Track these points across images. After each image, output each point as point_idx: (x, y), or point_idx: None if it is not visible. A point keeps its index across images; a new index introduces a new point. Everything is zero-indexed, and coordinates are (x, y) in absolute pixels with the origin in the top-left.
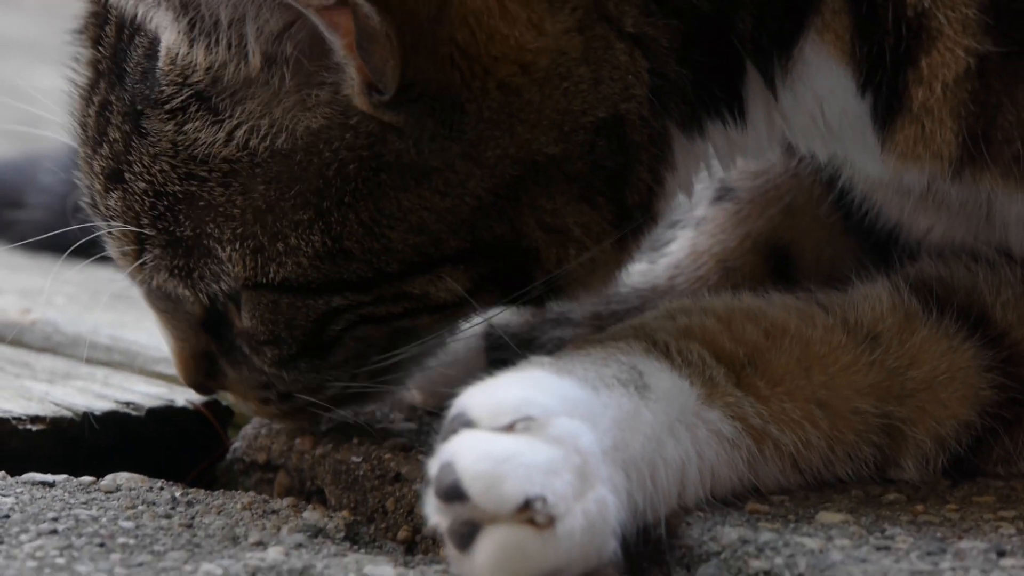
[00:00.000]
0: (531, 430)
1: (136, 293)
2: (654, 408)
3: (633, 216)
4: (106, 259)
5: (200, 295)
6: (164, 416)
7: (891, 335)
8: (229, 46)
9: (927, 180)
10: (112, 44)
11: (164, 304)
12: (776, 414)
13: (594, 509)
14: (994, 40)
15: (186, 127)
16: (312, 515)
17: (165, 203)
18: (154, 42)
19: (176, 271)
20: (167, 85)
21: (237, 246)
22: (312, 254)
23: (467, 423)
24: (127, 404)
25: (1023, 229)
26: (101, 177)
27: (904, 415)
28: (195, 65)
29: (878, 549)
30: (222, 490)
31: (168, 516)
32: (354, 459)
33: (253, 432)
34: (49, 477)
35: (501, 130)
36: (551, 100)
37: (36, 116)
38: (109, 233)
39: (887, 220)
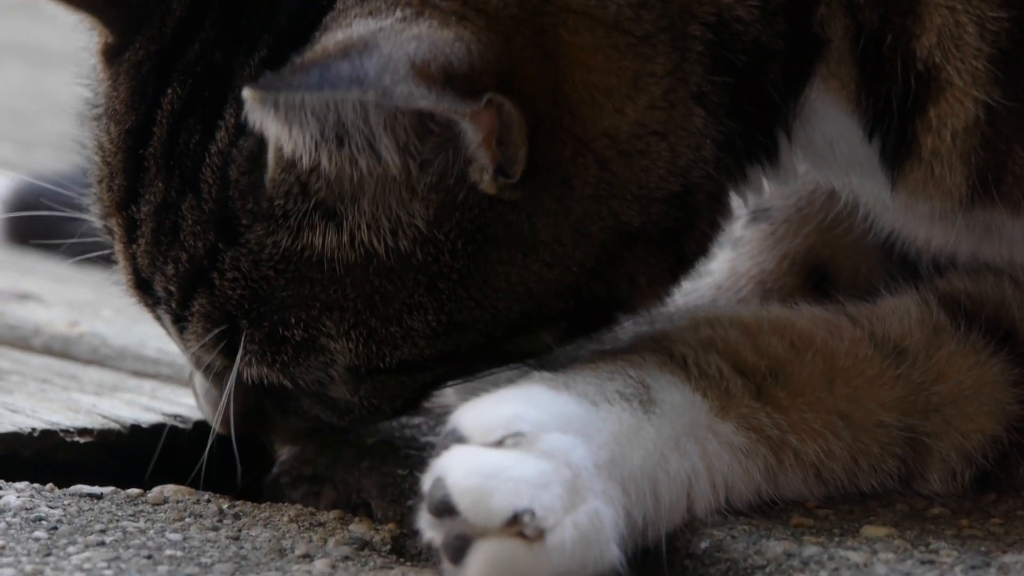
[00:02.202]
0: (520, 445)
1: None
2: (658, 422)
3: (690, 261)
4: None
5: (298, 382)
6: (211, 429)
7: (918, 349)
8: (357, 149)
9: (937, 213)
10: (165, 143)
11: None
12: (796, 424)
13: (585, 521)
14: (1003, 90)
15: (303, 238)
16: (358, 528)
17: (269, 306)
18: (255, 156)
19: (276, 363)
20: (281, 198)
21: (351, 336)
22: (429, 333)
23: (459, 439)
24: (174, 417)
25: None
26: (175, 281)
27: (929, 429)
28: (318, 174)
29: (922, 563)
30: (269, 503)
31: (215, 528)
32: (400, 471)
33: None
34: (97, 489)
35: (600, 203)
36: (634, 176)
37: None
38: (185, 327)
39: (889, 230)
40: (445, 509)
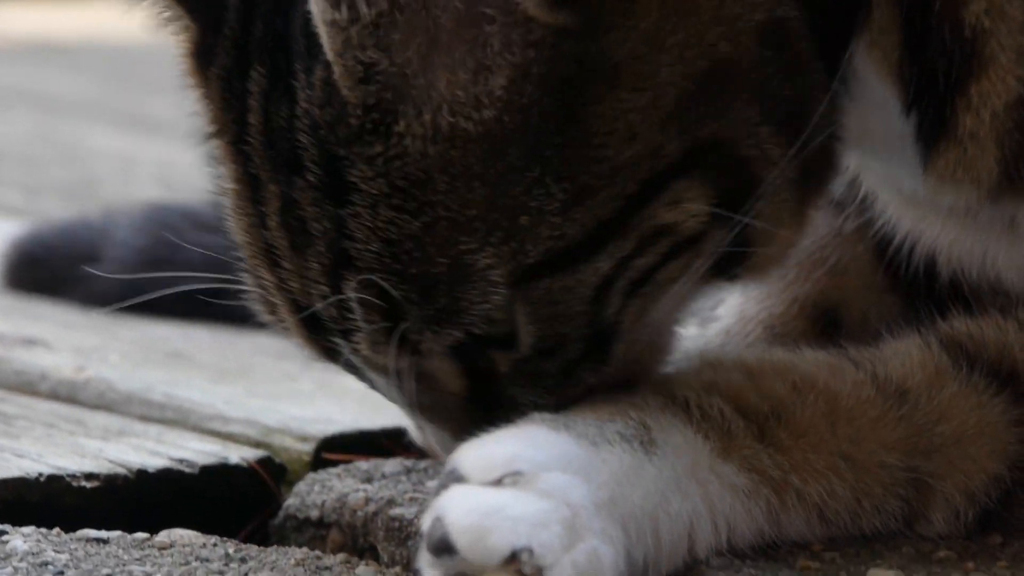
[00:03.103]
0: (519, 484)
1: (189, 349)
2: (659, 463)
3: (812, 140)
4: (164, 315)
5: (471, 330)
6: (218, 473)
7: (920, 390)
8: None
9: (961, 205)
10: (262, 142)
11: (427, 397)
12: (799, 465)
13: (584, 560)
14: None
15: (393, 140)
16: (365, 572)
17: (407, 248)
18: (327, 80)
19: (441, 317)
20: (354, 90)
21: (490, 243)
22: (558, 209)
23: (458, 478)
24: (181, 461)
25: None
26: (324, 278)
27: (932, 469)
28: (375, 38)
29: None
30: (275, 546)
31: (221, 572)
32: (407, 515)
33: (306, 489)
34: (103, 533)
35: (674, 17)
36: None
37: (94, 176)
38: (353, 333)
39: (899, 231)
40: (444, 548)
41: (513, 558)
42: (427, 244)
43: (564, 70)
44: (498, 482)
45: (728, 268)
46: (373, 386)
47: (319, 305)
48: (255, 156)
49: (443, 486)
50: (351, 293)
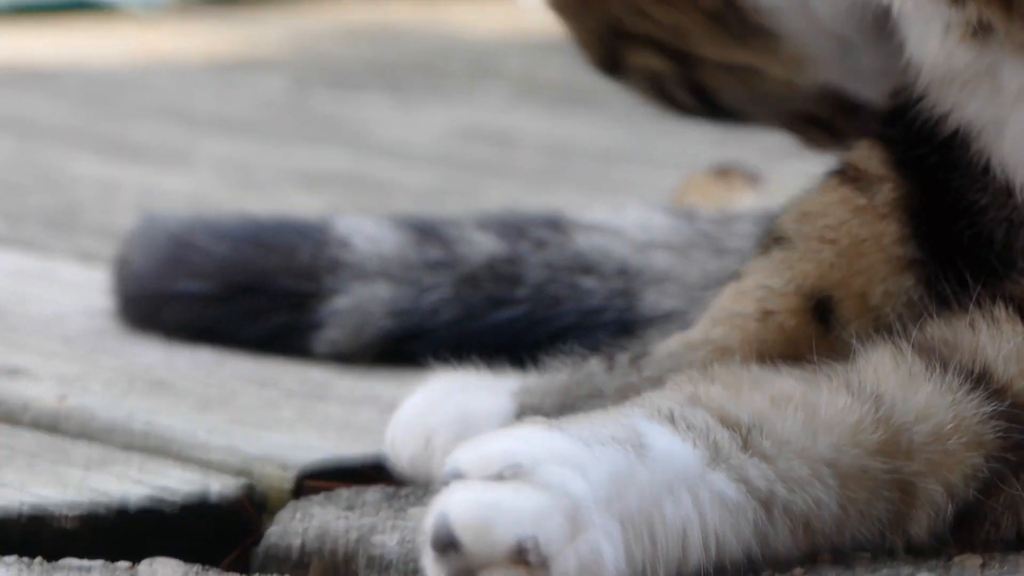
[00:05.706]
0: (519, 476)
1: (171, 377)
2: (651, 467)
3: None
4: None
5: None
6: (199, 502)
7: (895, 393)
8: None
9: None
10: None
11: None
12: (783, 473)
13: (587, 551)
14: None
15: None
16: None
17: None
18: None
19: None
20: None
21: None
22: None
23: (458, 476)
24: (163, 490)
25: None
26: None
27: (915, 469)
28: None
29: None
30: (257, 575)
31: None
32: (388, 543)
33: (288, 517)
34: (86, 563)
35: None
36: None
37: (75, 202)
38: None
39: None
40: (448, 544)
41: (518, 549)
42: None
43: None
44: (498, 476)
45: None
46: None
47: None
48: None
49: (444, 484)
50: None
